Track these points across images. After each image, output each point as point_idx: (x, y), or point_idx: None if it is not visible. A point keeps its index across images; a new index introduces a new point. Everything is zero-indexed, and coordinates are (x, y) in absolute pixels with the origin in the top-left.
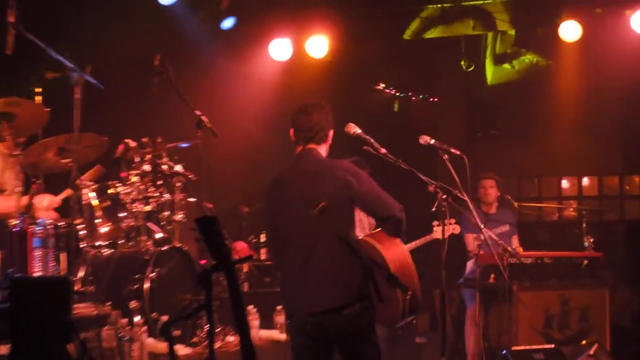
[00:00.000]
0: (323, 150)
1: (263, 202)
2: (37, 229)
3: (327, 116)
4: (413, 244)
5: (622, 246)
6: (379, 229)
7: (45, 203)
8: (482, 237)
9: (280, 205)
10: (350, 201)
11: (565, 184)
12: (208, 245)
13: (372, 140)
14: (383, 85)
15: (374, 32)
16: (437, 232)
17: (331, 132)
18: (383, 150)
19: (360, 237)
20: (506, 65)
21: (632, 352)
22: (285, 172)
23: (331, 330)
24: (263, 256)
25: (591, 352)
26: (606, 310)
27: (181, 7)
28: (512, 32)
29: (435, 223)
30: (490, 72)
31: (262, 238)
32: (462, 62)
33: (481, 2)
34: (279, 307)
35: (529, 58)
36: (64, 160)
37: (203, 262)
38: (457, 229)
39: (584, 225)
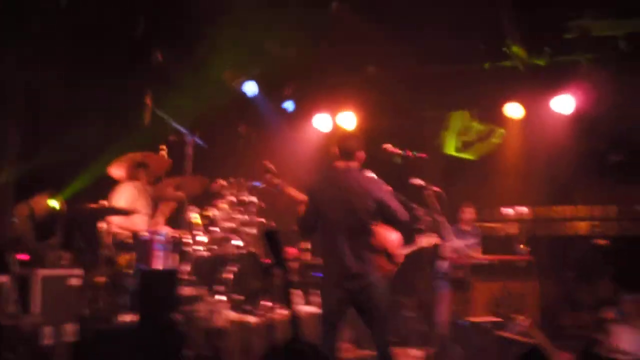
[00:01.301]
0: (355, 164)
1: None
2: (159, 237)
3: (356, 143)
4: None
5: (547, 254)
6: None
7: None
8: (455, 246)
9: (329, 196)
10: (378, 207)
11: (509, 210)
12: (271, 249)
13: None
14: (390, 145)
15: (385, 110)
16: (422, 242)
17: (359, 153)
18: (389, 188)
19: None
20: (474, 148)
21: (553, 325)
22: (334, 175)
23: (360, 289)
24: (307, 257)
25: (524, 324)
26: (536, 295)
27: (259, 95)
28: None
29: (420, 236)
30: (451, 146)
31: (307, 245)
32: (442, 133)
33: None
34: (315, 292)
35: (491, 139)
36: (179, 193)
37: (267, 261)
38: (438, 240)
39: (522, 238)
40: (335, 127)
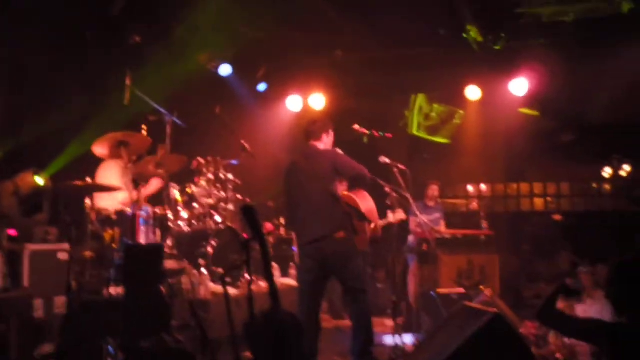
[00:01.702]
0: (320, 146)
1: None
2: (142, 213)
3: (319, 125)
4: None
5: (505, 228)
6: (355, 190)
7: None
8: (419, 221)
9: (294, 179)
10: (335, 172)
11: (470, 188)
12: (249, 224)
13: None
14: (357, 126)
15: (352, 93)
16: (390, 217)
17: (324, 134)
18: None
19: (344, 193)
20: (441, 131)
21: (512, 295)
22: (296, 160)
23: (327, 251)
24: (282, 232)
25: (487, 294)
26: (496, 268)
27: (234, 76)
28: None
29: (389, 212)
30: (415, 127)
31: (282, 221)
32: (407, 113)
33: None
34: (291, 264)
35: (453, 121)
36: (159, 171)
37: (245, 235)
38: (404, 216)
39: (482, 214)
40: (306, 108)
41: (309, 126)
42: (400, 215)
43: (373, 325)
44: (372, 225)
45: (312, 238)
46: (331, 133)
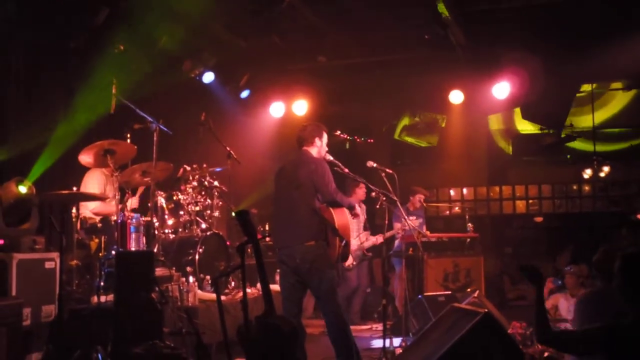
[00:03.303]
0: (314, 150)
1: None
2: (133, 220)
3: (309, 132)
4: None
5: (488, 230)
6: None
7: (133, 202)
8: (406, 225)
9: (279, 184)
10: (313, 183)
11: (452, 192)
12: (242, 227)
13: (339, 164)
14: (339, 131)
15: (334, 99)
16: (387, 234)
17: (315, 139)
18: (346, 170)
19: (323, 205)
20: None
21: (497, 296)
22: (285, 165)
23: (295, 256)
24: (267, 239)
25: (475, 295)
26: (481, 270)
27: (216, 84)
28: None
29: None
30: (402, 133)
31: (267, 227)
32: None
33: None
34: (278, 270)
35: (437, 125)
36: (145, 179)
37: (229, 243)
38: (400, 230)
39: (466, 217)
40: (289, 114)
41: (300, 132)
42: (394, 230)
43: (349, 338)
44: (342, 243)
45: (283, 244)
46: (324, 136)
